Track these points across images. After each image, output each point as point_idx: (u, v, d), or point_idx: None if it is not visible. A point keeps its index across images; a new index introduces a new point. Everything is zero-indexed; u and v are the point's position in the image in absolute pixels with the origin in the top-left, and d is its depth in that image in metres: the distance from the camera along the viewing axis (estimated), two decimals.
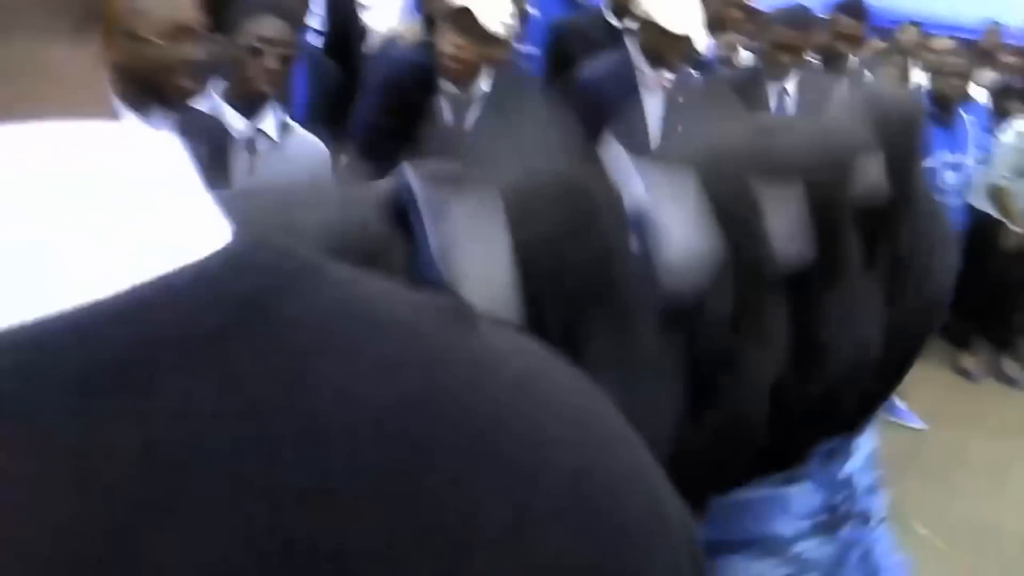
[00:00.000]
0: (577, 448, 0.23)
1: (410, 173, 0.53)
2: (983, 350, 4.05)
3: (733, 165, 0.62)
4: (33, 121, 0.20)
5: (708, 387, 0.63)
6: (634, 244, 0.60)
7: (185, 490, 0.19)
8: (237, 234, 0.23)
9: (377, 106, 2.26)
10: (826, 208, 0.65)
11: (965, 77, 3.60)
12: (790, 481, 1.20)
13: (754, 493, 1.17)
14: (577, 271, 0.55)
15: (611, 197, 0.60)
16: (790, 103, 2.91)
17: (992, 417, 3.53)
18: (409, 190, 0.52)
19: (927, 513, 2.81)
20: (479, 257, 0.52)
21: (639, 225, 0.61)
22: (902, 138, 0.73)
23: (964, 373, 3.94)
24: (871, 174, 0.66)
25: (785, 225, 0.64)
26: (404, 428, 0.21)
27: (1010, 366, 4.00)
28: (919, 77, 4.00)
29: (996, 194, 3.84)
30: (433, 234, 0.51)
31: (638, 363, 0.56)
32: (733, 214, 0.61)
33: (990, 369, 4.01)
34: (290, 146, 1.97)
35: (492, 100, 2.31)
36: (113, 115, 0.23)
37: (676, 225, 0.59)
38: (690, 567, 0.26)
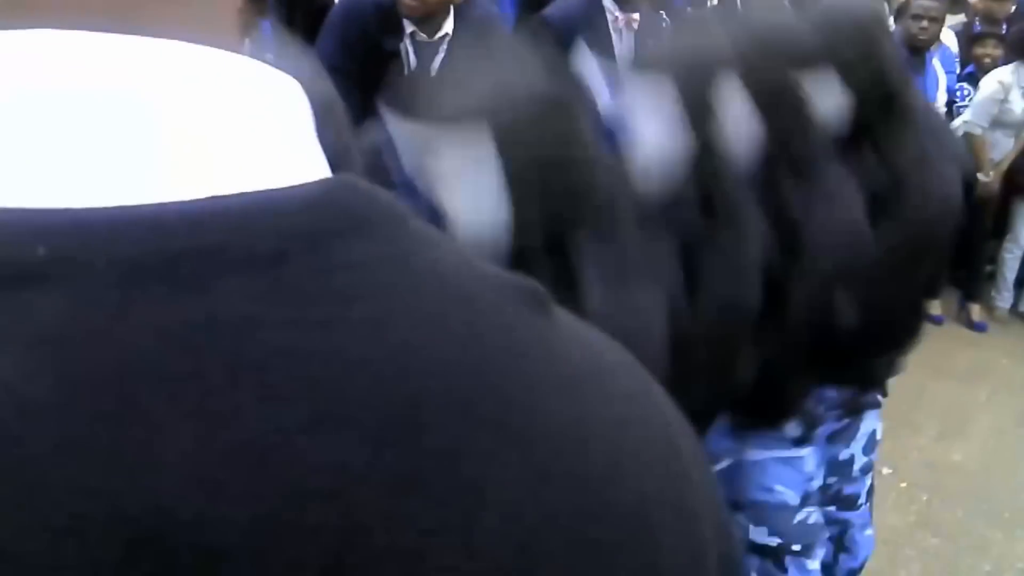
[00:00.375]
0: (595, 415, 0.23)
1: (390, 113, 0.55)
2: (950, 297, 4.11)
3: (701, 69, 0.65)
4: (161, 36, 0.22)
5: (697, 274, 0.66)
6: (609, 149, 0.62)
7: (190, 389, 0.19)
8: (330, 176, 0.23)
9: (338, 49, 2.19)
10: (778, 100, 0.67)
11: (939, 22, 3.57)
12: (799, 445, 1.20)
13: (765, 454, 1.17)
14: (561, 187, 0.56)
15: (588, 110, 0.61)
16: None
17: (955, 361, 3.60)
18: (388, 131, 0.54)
19: (891, 453, 2.87)
20: (470, 189, 0.53)
21: (614, 130, 0.63)
22: (863, 41, 0.74)
23: (930, 319, 4.00)
24: (827, 75, 0.68)
25: (744, 119, 0.66)
26: (409, 385, 0.20)
27: (976, 312, 4.06)
28: (890, 22, 3.98)
29: (970, 142, 3.85)
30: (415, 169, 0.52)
31: (627, 267, 0.58)
32: (699, 112, 0.63)
33: (956, 315, 4.08)
34: None
35: (457, 42, 2.25)
36: (234, 44, 0.24)
37: (651, 128, 0.60)
38: (699, 534, 0.25)
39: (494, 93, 0.58)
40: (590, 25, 2.53)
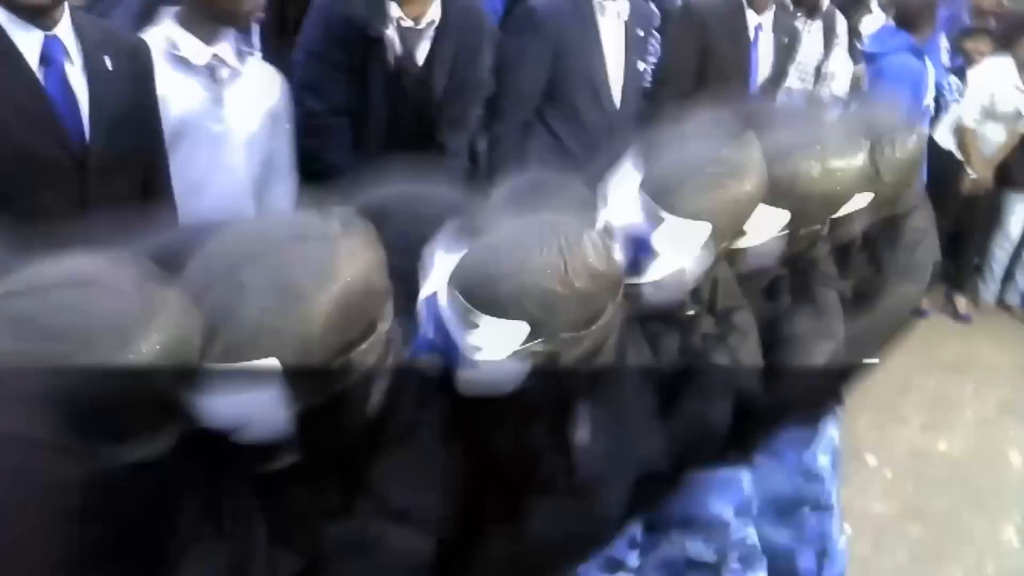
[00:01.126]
0: None
1: None
2: (936, 288, 4.12)
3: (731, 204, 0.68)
4: None
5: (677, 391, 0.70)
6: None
7: None
8: None
9: (322, 34, 2.17)
10: (804, 235, 0.69)
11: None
12: (735, 465, 1.19)
13: (704, 474, 1.16)
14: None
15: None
16: (764, 38, 2.89)
17: (941, 353, 3.61)
18: None
19: (876, 443, 2.88)
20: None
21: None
22: (900, 168, 0.75)
23: (917, 311, 4.01)
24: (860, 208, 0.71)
25: (765, 244, 0.69)
26: None
27: (962, 304, 4.08)
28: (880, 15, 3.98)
29: (962, 135, 3.85)
30: None
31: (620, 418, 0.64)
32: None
33: (943, 307, 4.09)
34: (249, 72, 1.92)
35: (442, 30, 2.23)
36: None
37: (676, 255, 0.64)
38: None
39: None
40: (577, 14, 2.51)
